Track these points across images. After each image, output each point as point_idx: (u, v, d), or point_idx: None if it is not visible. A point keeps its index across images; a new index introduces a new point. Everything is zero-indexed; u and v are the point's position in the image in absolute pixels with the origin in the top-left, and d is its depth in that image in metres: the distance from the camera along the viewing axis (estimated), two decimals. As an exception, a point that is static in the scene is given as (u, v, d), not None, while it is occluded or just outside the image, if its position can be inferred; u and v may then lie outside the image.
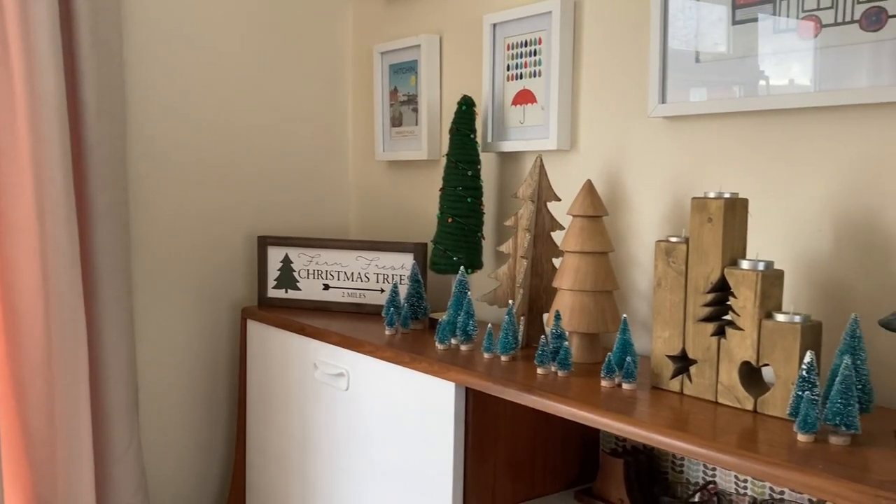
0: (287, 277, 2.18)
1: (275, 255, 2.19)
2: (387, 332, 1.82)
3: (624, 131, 1.72)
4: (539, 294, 1.71)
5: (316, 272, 2.15)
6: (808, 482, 0.99)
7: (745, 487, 1.46)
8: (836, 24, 1.34)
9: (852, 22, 1.32)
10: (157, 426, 2.21)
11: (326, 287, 2.14)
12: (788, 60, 1.41)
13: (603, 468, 1.60)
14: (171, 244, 2.19)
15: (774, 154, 1.46)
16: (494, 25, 1.96)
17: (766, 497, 1.42)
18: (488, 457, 1.57)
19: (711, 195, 1.30)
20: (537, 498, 1.64)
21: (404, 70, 2.25)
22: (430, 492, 1.58)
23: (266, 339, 2.09)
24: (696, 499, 1.51)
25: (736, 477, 1.47)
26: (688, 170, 1.60)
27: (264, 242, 2.20)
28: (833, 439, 1.10)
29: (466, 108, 1.90)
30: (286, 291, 2.18)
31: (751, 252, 1.47)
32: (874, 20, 1.30)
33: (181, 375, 2.24)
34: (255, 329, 2.13)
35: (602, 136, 1.76)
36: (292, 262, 2.18)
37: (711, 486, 1.51)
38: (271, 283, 2.20)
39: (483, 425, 1.55)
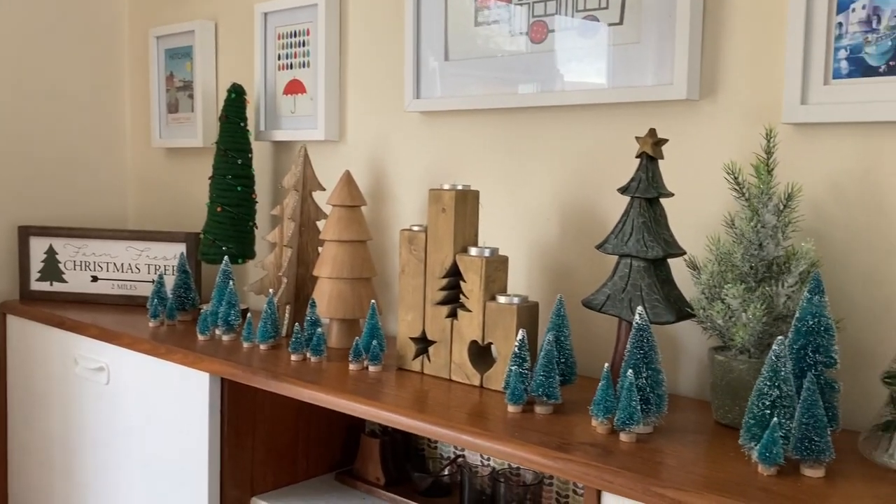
0: (52, 269, 2.08)
1: (38, 246, 2.08)
2: (151, 325, 1.78)
3: (387, 124, 1.78)
4: (305, 282, 1.74)
5: (83, 263, 2.06)
6: (503, 449, 1.09)
7: (489, 459, 1.57)
8: (559, 29, 1.46)
9: (571, 29, 1.45)
10: None
11: (95, 279, 2.06)
12: (522, 62, 1.52)
13: (362, 449, 1.65)
14: (-84, 235, 2.02)
15: (512, 149, 1.57)
16: (265, 14, 1.96)
17: (505, 467, 1.53)
18: (246, 445, 1.58)
19: (446, 187, 1.39)
20: (300, 482, 1.67)
21: (180, 55, 2.20)
22: (187, 482, 1.57)
23: (27, 335, 1.98)
24: (446, 472, 1.60)
25: (481, 449, 1.58)
26: (442, 162, 1.69)
27: (26, 232, 2.08)
28: (538, 409, 1.21)
29: (236, 96, 1.89)
30: (51, 284, 2.08)
31: (491, 239, 1.57)
32: (589, 28, 1.43)
33: (-68, 377, 2.07)
34: (16, 324, 2.01)
35: (368, 128, 1.82)
36: (57, 254, 2.07)
37: (460, 459, 1.61)
38: (34, 275, 2.08)
39: (240, 414, 1.56)
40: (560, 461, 1.03)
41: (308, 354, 1.50)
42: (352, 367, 1.45)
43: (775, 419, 0.97)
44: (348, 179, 1.62)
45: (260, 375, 1.42)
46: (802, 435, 0.97)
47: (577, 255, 1.49)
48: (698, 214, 1.31)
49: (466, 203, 1.38)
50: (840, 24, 1.17)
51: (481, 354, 1.37)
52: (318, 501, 1.59)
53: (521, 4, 1.51)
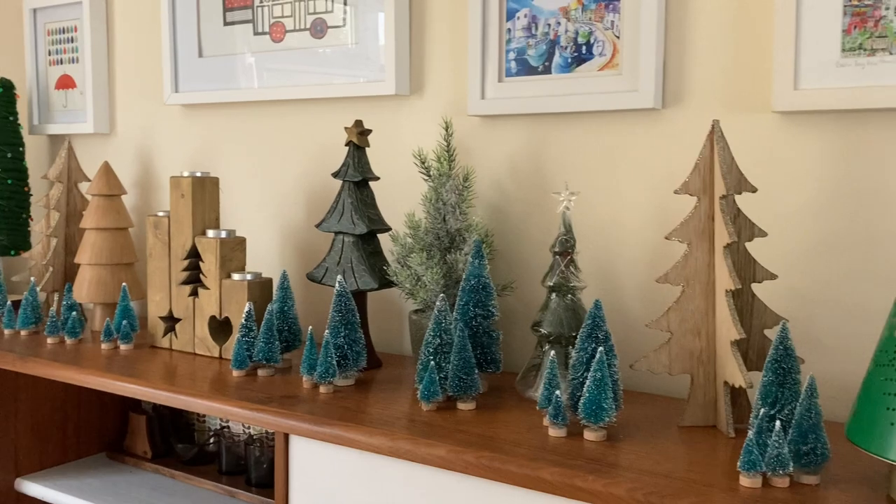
0: None
1: None
2: (-86, 318, 1.79)
3: (153, 117, 1.86)
4: (75, 270, 1.80)
5: None
6: (214, 406, 1.22)
7: (249, 428, 1.69)
8: (295, 30, 1.61)
9: (305, 29, 1.59)
10: None
11: None
12: (266, 59, 1.65)
13: (131, 426, 1.74)
14: None
15: (263, 139, 1.70)
16: (34, 10, 1.99)
17: (262, 433, 1.66)
18: (8, 427, 1.63)
19: (185, 174, 1.50)
20: (71, 461, 1.74)
21: (-47, 49, 2.19)
22: (-52, 468, 1.61)
23: None
24: (211, 442, 1.71)
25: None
26: (203, 152, 1.79)
27: None
28: (260, 372, 1.35)
29: (4, 90, 1.91)
30: None
31: (246, 223, 1.70)
32: (319, 30, 1.58)
33: None
34: None
35: (135, 120, 1.90)
36: None
37: (226, 430, 1.72)
38: None
39: (0, 398, 1.62)
40: (258, 412, 1.17)
41: (65, 337, 1.58)
42: (104, 346, 1.53)
43: (432, 362, 1.15)
44: (106, 170, 1.70)
45: (8, 358, 1.48)
46: (454, 374, 1.15)
47: (320, 234, 1.63)
48: (408, 195, 1.49)
49: (205, 189, 1.50)
50: (509, 30, 1.37)
51: (222, 328, 1.50)
52: (84, 478, 1.66)
53: (262, 6, 1.64)
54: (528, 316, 1.37)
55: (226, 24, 1.70)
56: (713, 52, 1.22)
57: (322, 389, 1.25)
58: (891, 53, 1.09)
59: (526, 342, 1.37)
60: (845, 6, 1.11)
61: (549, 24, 1.33)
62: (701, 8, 1.22)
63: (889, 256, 1.11)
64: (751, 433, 0.90)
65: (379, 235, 1.41)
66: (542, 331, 1.21)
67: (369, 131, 1.39)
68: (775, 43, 1.15)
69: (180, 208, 1.49)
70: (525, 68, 1.36)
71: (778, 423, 0.89)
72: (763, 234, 1.08)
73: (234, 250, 1.48)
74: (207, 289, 1.47)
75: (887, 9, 1.09)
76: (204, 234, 1.49)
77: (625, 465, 0.95)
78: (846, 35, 1.12)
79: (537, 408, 1.10)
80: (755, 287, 1.08)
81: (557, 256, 1.21)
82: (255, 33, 1.66)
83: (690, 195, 1.07)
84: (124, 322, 1.53)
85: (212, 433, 1.74)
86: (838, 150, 1.14)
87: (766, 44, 1.17)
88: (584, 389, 1.04)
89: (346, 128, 1.38)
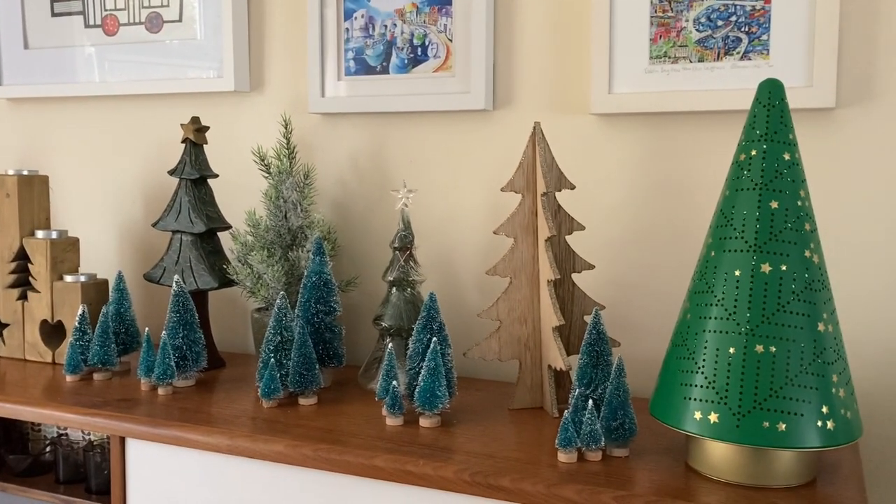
0: None
1: None
2: None
3: (-25, 111, 1.75)
4: None
5: None
6: (45, 412, 1.19)
7: (89, 434, 1.63)
8: (129, 24, 1.56)
9: (139, 23, 1.55)
10: None
11: None
12: (100, 53, 1.59)
13: (-45, 440, 1.64)
14: None
15: (97, 135, 1.64)
16: None
17: (104, 439, 1.61)
18: None
19: (11, 172, 1.43)
20: None
21: None
22: None
23: None
24: (47, 451, 1.64)
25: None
26: (32, 149, 1.71)
27: None
28: (96, 376, 1.32)
29: None
30: None
31: (81, 223, 1.64)
32: (154, 24, 1.54)
33: None
34: None
35: (-45, 114, 1.78)
36: None
37: (63, 437, 1.65)
38: None
39: None
40: (91, 417, 1.15)
41: None
42: (-79, 356, 1.44)
43: (272, 359, 1.16)
44: (-79, 168, 1.59)
45: None
46: (295, 371, 1.17)
47: (159, 234, 1.60)
48: (249, 193, 1.49)
49: (33, 188, 1.44)
50: (347, 30, 1.40)
51: (55, 332, 1.44)
52: None
53: (93, -3, 1.58)
54: (372, 310, 1.41)
55: (54, 14, 1.62)
56: (538, 57, 1.30)
57: (161, 391, 1.23)
58: (691, 61, 1.20)
59: (371, 336, 1.40)
60: (651, 17, 1.22)
61: (385, 26, 1.37)
62: (526, 16, 1.30)
63: (692, 246, 1.23)
64: (567, 412, 0.97)
65: (219, 234, 1.40)
66: (383, 324, 1.25)
67: (206, 128, 1.38)
68: (592, 50, 1.24)
69: (5, 208, 1.42)
70: (364, 68, 1.39)
71: (591, 401, 0.97)
72: (581, 227, 1.16)
73: (66, 251, 1.42)
74: (38, 292, 1.41)
75: (687, 21, 1.20)
76: (33, 234, 1.42)
77: (455, 449, 1.00)
78: (653, 44, 1.22)
79: (376, 399, 1.13)
80: (575, 277, 1.17)
81: (397, 252, 1.25)
82: (87, 26, 1.59)
83: (515, 192, 1.14)
84: (-56, 330, 1.44)
85: (48, 441, 1.66)
86: (647, 149, 1.24)
87: (584, 50, 1.26)
88: (419, 379, 1.08)
89: (182, 124, 1.36)
